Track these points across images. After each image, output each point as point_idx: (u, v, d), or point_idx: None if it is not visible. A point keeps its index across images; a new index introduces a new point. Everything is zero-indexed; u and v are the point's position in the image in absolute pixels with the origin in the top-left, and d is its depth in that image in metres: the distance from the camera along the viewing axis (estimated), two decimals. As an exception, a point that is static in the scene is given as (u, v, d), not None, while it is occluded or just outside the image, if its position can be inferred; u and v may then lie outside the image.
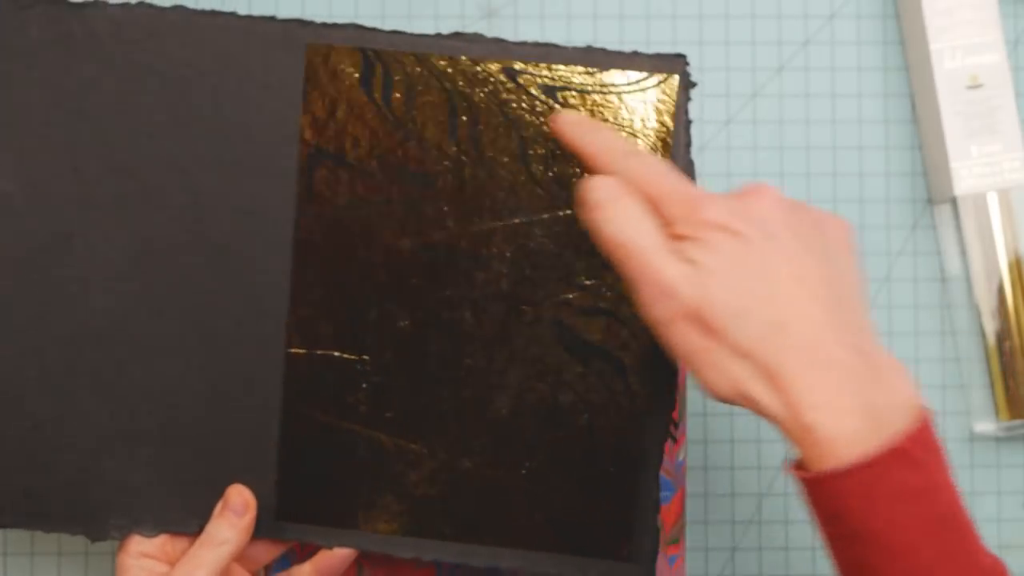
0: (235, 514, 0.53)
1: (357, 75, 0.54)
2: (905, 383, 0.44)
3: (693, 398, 0.63)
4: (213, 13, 0.54)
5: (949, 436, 0.64)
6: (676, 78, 0.54)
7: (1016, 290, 0.62)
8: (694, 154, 0.64)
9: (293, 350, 0.54)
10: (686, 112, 0.54)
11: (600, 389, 0.54)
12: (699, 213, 0.45)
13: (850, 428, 0.42)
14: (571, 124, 0.51)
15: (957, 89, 0.62)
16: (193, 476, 0.54)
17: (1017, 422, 0.62)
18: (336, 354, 0.54)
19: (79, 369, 0.54)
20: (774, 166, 0.65)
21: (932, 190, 0.65)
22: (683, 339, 0.44)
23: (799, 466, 0.44)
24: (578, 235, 0.54)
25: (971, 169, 0.62)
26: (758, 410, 0.44)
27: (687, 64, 0.54)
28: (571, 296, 0.54)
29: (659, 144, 0.54)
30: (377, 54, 0.54)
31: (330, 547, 0.55)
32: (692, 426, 0.64)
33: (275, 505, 0.54)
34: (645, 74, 0.54)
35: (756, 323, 0.43)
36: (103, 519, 0.54)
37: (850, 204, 0.65)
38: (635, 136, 0.54)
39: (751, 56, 0.65)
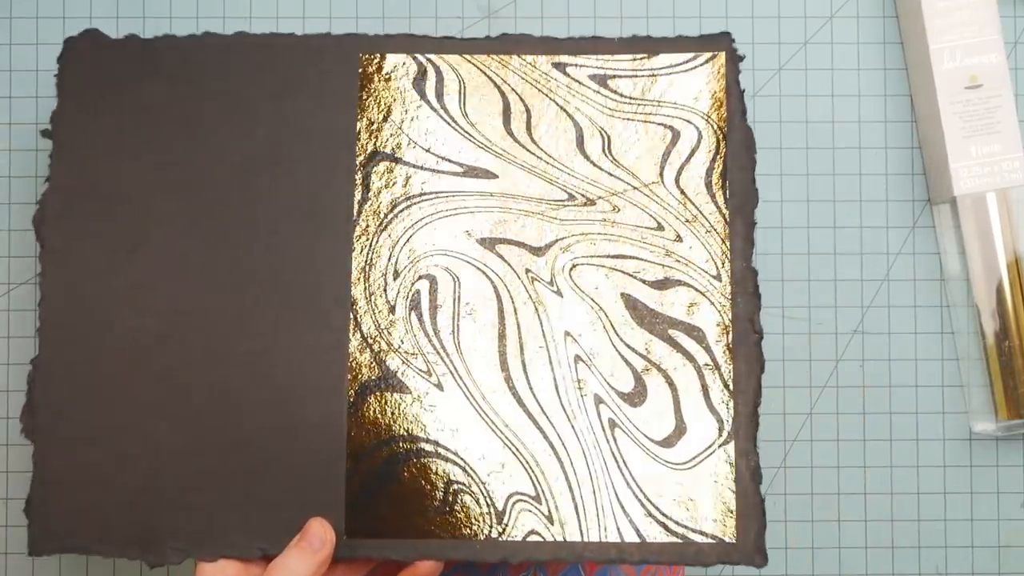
0: (312, 548, 0.51)
1: (410, 79, 0.56)
2: None
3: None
4: (271, 35, 0.57)
5: (949, 436, 0.64)
6: (723, 55, 0.57)
7: (1015, 290, 0.62)
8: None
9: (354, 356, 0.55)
10: (738, 84, 0.57)
11: None
12: None
13: None
14: None
15: (956, 89, 0.63)
16: (255, 498, 0.53)
17: (1016, 422, 0.62)
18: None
19: (137, 379, 0.54)
20: (774, 166, 0.65)
21: (931, 190, 0.65)
22: None
23: None
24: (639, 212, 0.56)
25: (970, 169, 0.62)
26: None
27: (733, 40, 0.57)
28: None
29: (712, 117, 0.56)
30: (428, 59, 0.57)
31: (408, 561, 0.53)
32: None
33: (343, 525, 0.53)
34: (692, 55, 0.57)
35: None
36: (161, 542, 0.53)
37: (850, 204, 0.65)
38: (687, 112, 0.56)
39: (751, 56, 0.66)
